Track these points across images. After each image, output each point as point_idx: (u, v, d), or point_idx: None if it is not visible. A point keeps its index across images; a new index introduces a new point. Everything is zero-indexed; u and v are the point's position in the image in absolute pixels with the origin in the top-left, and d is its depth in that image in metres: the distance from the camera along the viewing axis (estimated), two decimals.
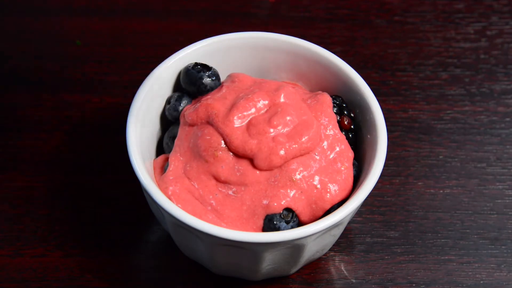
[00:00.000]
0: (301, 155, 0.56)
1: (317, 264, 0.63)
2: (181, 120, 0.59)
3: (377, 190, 0.67)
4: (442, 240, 0.65)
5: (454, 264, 0.64)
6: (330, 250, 0.64)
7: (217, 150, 0.56)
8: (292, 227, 0.55)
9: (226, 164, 0.56)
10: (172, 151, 0.58)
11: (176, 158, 0.57)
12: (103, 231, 0.65)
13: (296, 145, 0.56)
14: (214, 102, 0.58)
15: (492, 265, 0.64)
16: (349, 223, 0.60)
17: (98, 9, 0.83)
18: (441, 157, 0.71)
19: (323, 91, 0.62)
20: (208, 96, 0.59)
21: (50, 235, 0.65)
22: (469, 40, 0.79)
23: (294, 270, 0.60)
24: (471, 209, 0.67)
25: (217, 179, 0.56)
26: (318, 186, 0.56)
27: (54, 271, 0.63)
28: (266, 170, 0.55)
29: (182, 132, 0.58)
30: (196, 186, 0.56)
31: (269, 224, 0.55)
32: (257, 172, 0.55)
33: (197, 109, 0.58)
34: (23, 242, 0.64)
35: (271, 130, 0.56)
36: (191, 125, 0.58)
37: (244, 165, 0.56)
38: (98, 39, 0.81)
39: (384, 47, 0.78)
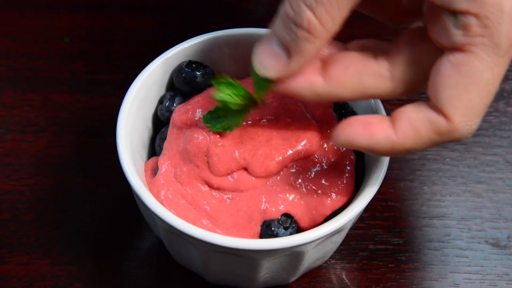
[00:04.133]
0: (300, 159, 0.56)
1: (317, 273, 0.64)
2: (171, 122, 0.59)
3: (381, 194, 0.68)
4: (449, 248, 0.65)
5: (462, 273, 0.64)
6: (331, 257, 0.64)
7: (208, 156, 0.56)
8: (291, 234, 0.55)
9: None
10: (161, 154, 0.58)
11: (165, 162, 0.57)
12: (93, 237, 0.65)
13: (294, 149, 0.56)
14: (205, 103, 0.58)
15: (502, 275, 0.64)
16: (351, 229, 0.60)
17: (88, 5, 0.83)
18: (447, 160, 0.71)
19: None
20: (199, 97, 0.59)
21: (37, 242, 0.65)
22: None
23: (293, 278, 0.60)
24: (480, 216, 0.68)
25: (210, 185, 0.56)
26: (318, 190, 0.56)
27: (40, 280, 0.63)
28: (262, 177, 0.55)
29: (171, 134, 0.58)
30: (189, 191, 0.56)
31: (267, 230, 0.55)
32: (253, 178, 0.55)
33: (187, 110, 0.58)
34: (8, 249, 0.64)
35: (265, 133, 0.56)
36: (181, 127, 0.58)
37: (238, 171, 0.56)
38: (87, 36, 0.81)
39: None
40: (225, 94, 0.54)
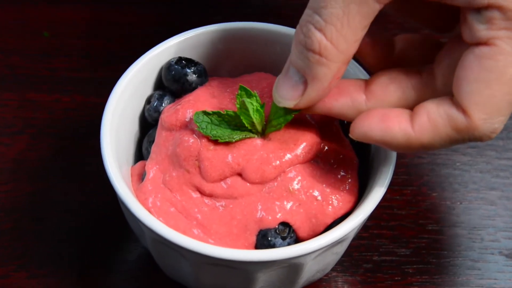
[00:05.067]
0: (299, 163, 0.56)
1: (317, 286, 0.64)
2: (159, 124, 0.59)
3: (386, 201, 0.68)
4: (460, 259, 0.66)
5: (473, 286, 0.64)
6: (332, 270, 0.64)
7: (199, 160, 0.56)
8: (289, 244, 0.55)
9: None
10: (149, 158, 0.58)
11: (153, 167, 0.57)
12: (74, 248, 0.65)
13: (292, 153, 0.56)
14: (196, 103, 0.58)
15: None
16: (354, 239, 0.60)
17: None
18: (458, 164, 0.71)
19: None
20: (190, 97, 0.59)
21: (14, 253, 0.65)
22: None
23: None
24: (493, 225, 0.68)
25: (201, 192, 0.56)
26: (319, 197, 0.56)
27: None
28: (258, 183, 0.56)
29: (160, 137, 0.58)
30: (179, 198, 0.56)
31: (263, 241, 0.55)
32: (248, 184, 0.56)
33: (176, 110, 0.58)
34: None
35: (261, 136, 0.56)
36: (170, 129, 0.58)
37: (232, 176, 0.56)
38: (68, 30, 0.81)
39: None
40: (250, 104, 0.55)
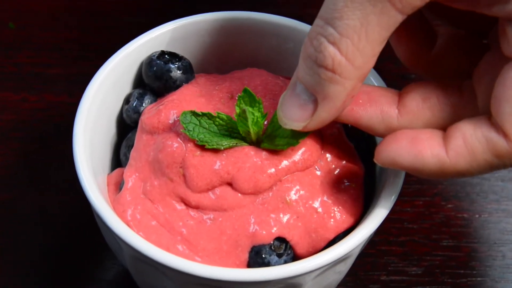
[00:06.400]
0: (297, 171, 0.56)
1: None
2: (139, 126, 0.59)
3: (395, 214, 0.68)
4: (478, 279, 0.66)
5: None
6: None
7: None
8: (285, 262, 0.55)
9: None
10: (127, 165, 0.58)
11: (132, 175, 0.57)
12: (45, 267, 0.65)
13: (290, 159, 0.56)
14: (181, 103, 0.58)
15: None
16: (359, 256, 0.60)
17: None
18: None
19: None
20: (174, 96, 0.59)
21: None
22: None
23: None
24: None
25: (186, 203, 0.56)
26: (319, 209, 0.56)
27: None
28: (250, 194, 0.55)
29: (140, 141, 0.58)
30: (161, 210, 0.56)
31: (256, 258, 0.55)
32: (239, 194, 0.55)
33: (159, 111, 0.58)
34: None
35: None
36: (151, 132, 0.58)
37: (221, 186, 0.56)
38: (36, 21, 0.81)
39: None
40: (251, 114, 0.54)
